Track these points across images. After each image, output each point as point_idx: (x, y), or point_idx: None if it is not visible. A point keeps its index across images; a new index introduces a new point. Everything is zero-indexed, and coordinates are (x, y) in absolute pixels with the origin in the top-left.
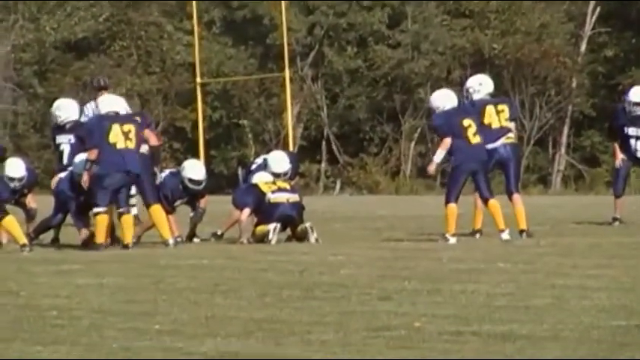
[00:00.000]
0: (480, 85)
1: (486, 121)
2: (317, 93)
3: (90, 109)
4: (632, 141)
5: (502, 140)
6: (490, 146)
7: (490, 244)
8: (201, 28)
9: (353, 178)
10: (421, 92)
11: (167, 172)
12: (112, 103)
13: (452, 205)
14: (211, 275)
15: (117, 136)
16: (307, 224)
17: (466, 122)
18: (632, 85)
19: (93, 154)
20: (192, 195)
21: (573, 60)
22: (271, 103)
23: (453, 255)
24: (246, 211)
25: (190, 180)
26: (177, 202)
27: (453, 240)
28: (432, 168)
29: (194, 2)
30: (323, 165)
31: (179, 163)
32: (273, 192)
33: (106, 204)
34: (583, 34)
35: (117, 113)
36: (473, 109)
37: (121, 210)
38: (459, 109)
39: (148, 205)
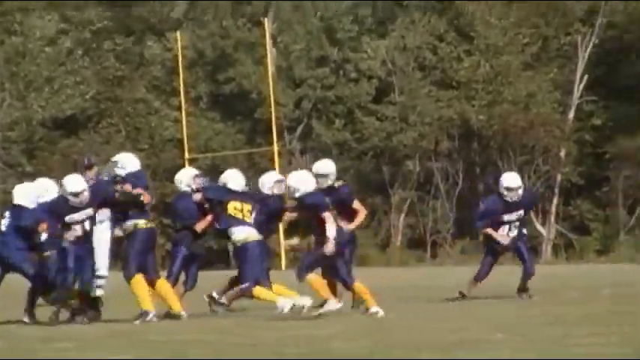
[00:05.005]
0: None
1: None
2: (306, 166)
3: None
4: None
5: None
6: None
7: (491, 313)
8: (189, 103)
9: None
10: (409, 164)
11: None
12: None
13: None
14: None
15: None
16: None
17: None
18: None
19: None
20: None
21: (561, 129)
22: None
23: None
24: None
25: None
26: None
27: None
28: None
29: (181, 78)
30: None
31: (169, 238)
32: None
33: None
34: (571, 103)
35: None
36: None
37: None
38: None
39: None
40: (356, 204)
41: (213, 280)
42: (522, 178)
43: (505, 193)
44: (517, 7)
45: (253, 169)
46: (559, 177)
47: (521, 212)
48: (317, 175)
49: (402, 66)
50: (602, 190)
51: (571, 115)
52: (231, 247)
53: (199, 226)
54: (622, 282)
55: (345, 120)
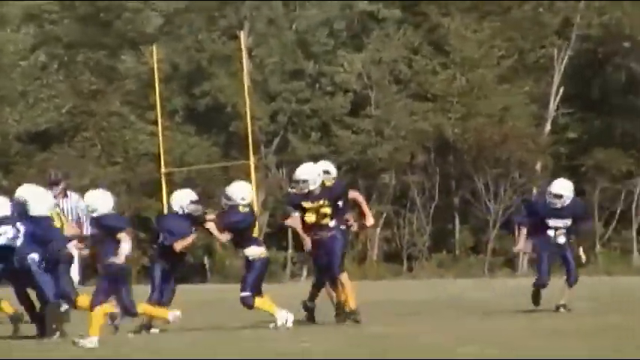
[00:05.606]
0: None
1: None
2: (282, 180)
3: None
4: None
5: None
6: None
7: (462, 326)
8: (164, 117)
9: None
10: (385, 177)
11: None
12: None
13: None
14: None
15: None
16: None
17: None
18: None
19: None
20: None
21: (536, 142)
22: None
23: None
24: None
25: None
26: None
27: None
28: None
29: (157, 92)
30: (289, 252)
31: (144, 252)
32: None
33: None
34: (547, 116)
35: None
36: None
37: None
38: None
39: None
40: (351, 193)
41: (189, 294)
42: (498, 190)
43: (549, 198)
44: (491, 19)
45: (229, 183)
46: (535, 190)
47: (568, 221)
48: (298, 181)
49: (377, 79)
50: None
51: (547, 128)
52: (207, 262)
53: (178, 246)
54: (599, 295)
55: (321, 133)
